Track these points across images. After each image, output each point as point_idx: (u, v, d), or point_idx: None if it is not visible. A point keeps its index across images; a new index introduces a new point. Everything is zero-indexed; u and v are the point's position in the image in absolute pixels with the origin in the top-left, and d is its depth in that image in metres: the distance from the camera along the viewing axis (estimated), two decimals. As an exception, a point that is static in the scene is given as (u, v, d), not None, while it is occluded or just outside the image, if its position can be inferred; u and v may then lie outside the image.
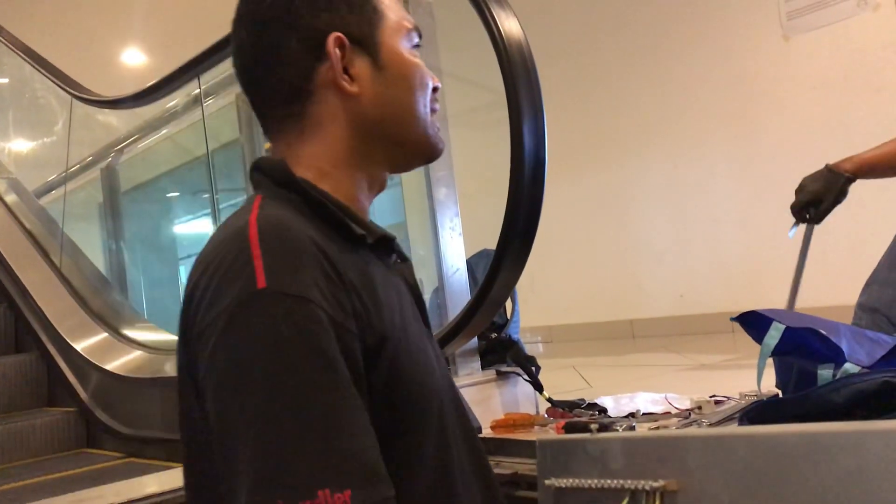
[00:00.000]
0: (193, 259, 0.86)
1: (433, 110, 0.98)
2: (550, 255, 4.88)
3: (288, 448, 0.69)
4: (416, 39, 0.98)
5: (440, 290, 1.98)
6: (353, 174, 0.94)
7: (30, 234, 3.41)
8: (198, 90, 2.86)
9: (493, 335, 2.05)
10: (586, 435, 0.66)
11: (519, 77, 1.37)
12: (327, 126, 0.93)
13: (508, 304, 2.19)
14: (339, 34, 0.91)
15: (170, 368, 2.52)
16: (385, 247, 0.96)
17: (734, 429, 0.55)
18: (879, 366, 1.40)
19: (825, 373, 1.38)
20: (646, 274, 4.75)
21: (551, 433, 1.64)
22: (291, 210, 0.86)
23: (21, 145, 4.81)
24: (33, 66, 3.72)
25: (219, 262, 0.79)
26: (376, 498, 0.70)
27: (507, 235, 1.54)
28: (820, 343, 1.42)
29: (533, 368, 1.96)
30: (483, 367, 2.00)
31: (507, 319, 2.17)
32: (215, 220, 3.07)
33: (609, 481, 0.61)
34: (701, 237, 4.48)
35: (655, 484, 0.57)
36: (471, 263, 2.26)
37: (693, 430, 0.57)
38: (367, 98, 0.92)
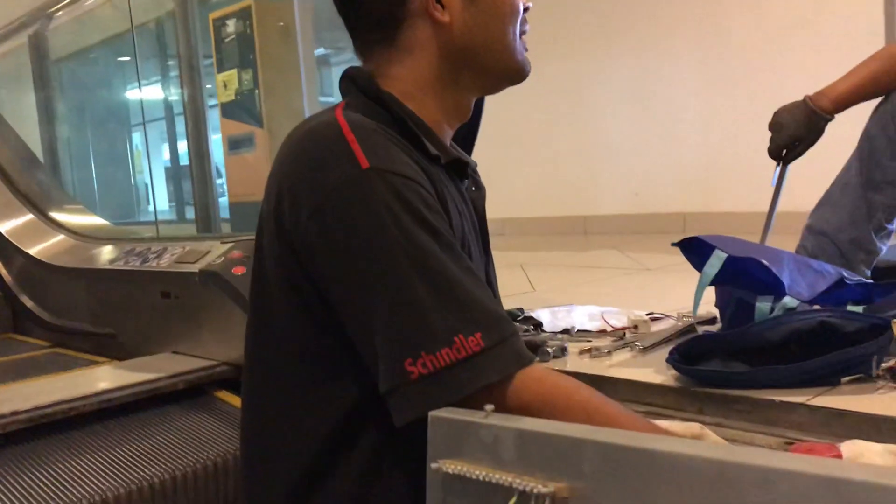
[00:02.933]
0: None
1: (523, 32, 1.00)
2: (507, 146, 4.77)
3: (420, 305, 0.77)
4: None
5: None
6: (438, 99, 0.97)
7: (-48, 104, 3.19)
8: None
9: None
10: (479, 417, 0.59)
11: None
12: (417, 52, 0.96)
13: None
14: None
15: (97, 257, 2.41)
16: (458, 171, 0.99)
17: (636, 439, 0.49)
18: (820, 299, 1.37)
19: (764, 305, 1.35)
20: (602, 170, 4.69)
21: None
22: (374, 120, 0.90)
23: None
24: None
25: (313, 147, 0.86)
26: (503, 335, 0.78)
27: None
28: (762, 273, 1.38)
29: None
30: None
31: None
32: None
33: (498, 476, 0.55)
34: (660, 135, 4.40)
35: (545, 489, 0.52)
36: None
37: (592, 434, 0.51)
38: (457, 26, 0.95)
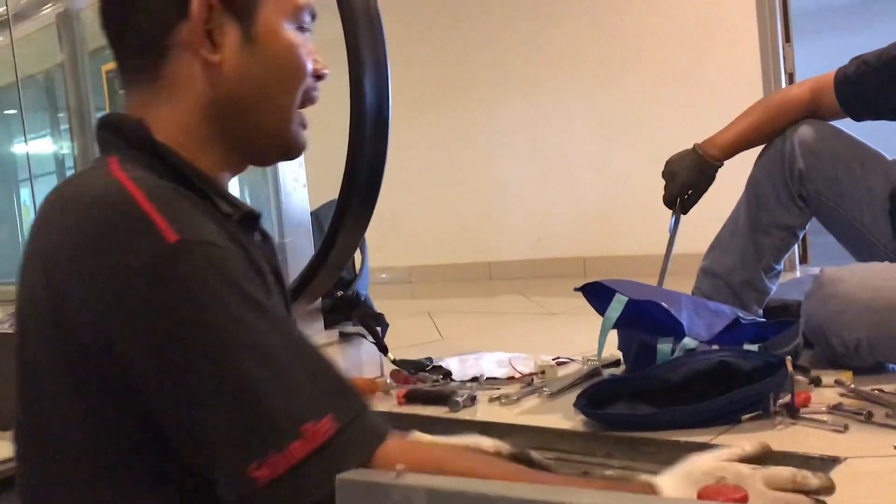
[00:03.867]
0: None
1: (309, 100, 0.89)
2: (413, 194, 4.80)
3: (257, 395, 0.67)
4: (308, 20, 0.89)
5: (282, 248, 1.85)
6: (210, 149, 0.85)
7: None
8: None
9: (339, 293, 1.95)
10: (389, 478, 0.57)
11: (361, 27, 1.24)
12: (184, 91, 0.84)
13: (358, 257, 2.10)
14: None
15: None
16: (249, 224, 0.88)
17: (548, 493, 0.48)
18: (718, 339, 1.41)
19: (665, 347, 1.38)
20: (504, 217, 4.77)
21: (393, 400, 1.58)
22: (155, 176, 0.77)
23: None
24: None
25: (101, 223, 0.71)
26: (355, 410, 0.70)
27: (347, 196, 1.43)
28: (662, 315, 1.42)
29: (379, 328, 1.87)
30: (327, 327, 1.89)
31: (356, 275, 2.07)
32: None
33: (410, 539, 0.53)
34: (557, 182, 4.52)
35: (458, 551, 0.50)
36: (319, 215, 2.14)
37: (505, 490, 0.50)
38: (229, 71, 0.83)
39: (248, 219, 0.86)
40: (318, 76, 0.90)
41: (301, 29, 0.88)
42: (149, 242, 0.68)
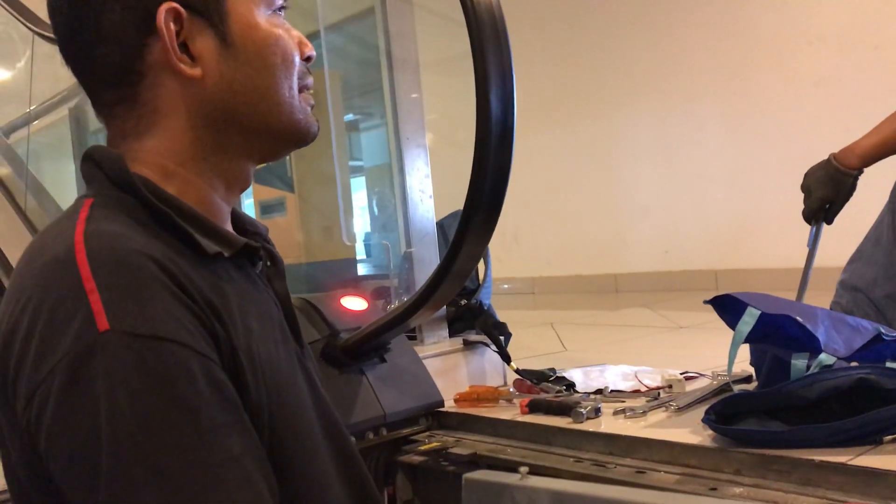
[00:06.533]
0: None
1: (305, 87, 0.84)
2: (536, 205, 4.80)
3: None
4: (280, 1, 0.83)
5: (408, 257, 1.90)
6: (203, 173, 0.80)
7: (-6, 175, 3.30)
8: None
9: (463, 302, 1.98)
10: (515, 479, 0.59)
11: (487, 40, 1.26)
12: (167, 115, 0.78)
13: (481, 267, 2.12)
14: (174, 4, 0.75)
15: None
16: (250, 256, 0.83)
17: (676, 500, 0.49)
18: (857, 356, 1.35)
19: (799, 362, 1.33)
20: (631, 228, 4.68)
21: (515, 409, 1.58)
22: (128, 219, 0.72)
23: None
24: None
25: (41, 296, 0.65)
26: None
27: (472, 206, 1.44)
28: (796, 330, 1.36)
29: (502, 338, 1.89)
30: (451, 335, 1.93)
31: (479, 284, 2.10)
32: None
33: (534, 539, 0.55)
34: (688, 193, 4.40)
35: (582, 552, 0.51)
36: (444, 225, 2.18)
37: (632, 494, 0.50)
38: (213, 81, 0.78)
39: (246, 253, 0.81)
40: (308, 57, 0.85)
41: (275, 11, 0.83)
42: (79, 326, 0.62)
